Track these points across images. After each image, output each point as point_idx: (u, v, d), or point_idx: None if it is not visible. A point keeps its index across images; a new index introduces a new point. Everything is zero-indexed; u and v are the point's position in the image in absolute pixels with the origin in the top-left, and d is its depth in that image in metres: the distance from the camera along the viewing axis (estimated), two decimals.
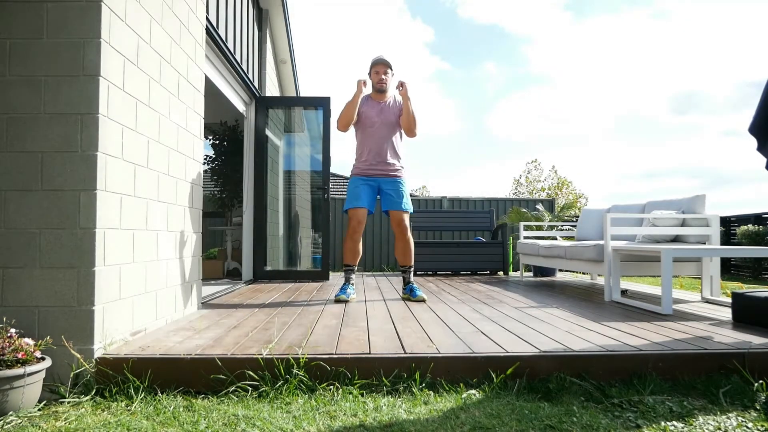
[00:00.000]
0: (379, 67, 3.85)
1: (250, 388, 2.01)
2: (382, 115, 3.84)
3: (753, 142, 2.56)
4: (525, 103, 50.65)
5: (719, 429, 1.71)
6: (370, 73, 3.92)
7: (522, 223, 6.16)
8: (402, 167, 3.93)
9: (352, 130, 3.95)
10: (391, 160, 3.86)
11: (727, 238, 9.06)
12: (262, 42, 5.78)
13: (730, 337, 2.43)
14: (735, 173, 46.95)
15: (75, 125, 2.12)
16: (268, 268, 5.51)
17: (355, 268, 3.98)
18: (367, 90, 3.93)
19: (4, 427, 1.71)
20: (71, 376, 2.03)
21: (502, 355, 2.12)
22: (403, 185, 3.90)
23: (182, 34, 3.07)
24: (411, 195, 4.01)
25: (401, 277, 4.20)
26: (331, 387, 2.02)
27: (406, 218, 3.86)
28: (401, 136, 3.95)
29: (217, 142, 6.85)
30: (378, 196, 3.96)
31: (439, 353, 2.14)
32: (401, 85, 3.77)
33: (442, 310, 3.31)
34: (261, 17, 5.82)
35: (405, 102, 3.78)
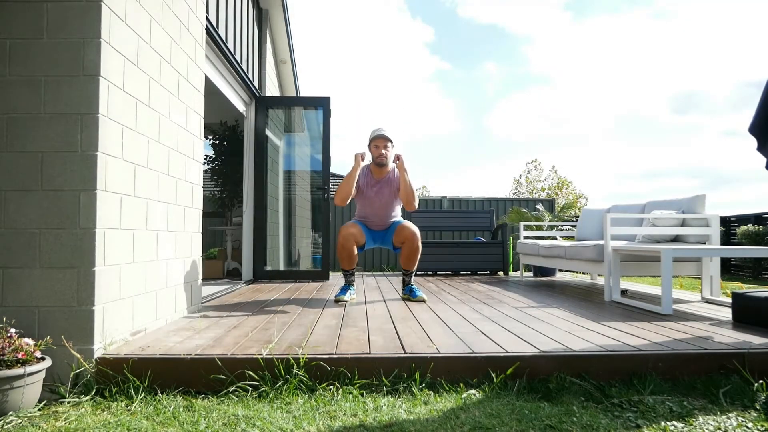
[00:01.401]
0: (379, 141, 3.82)
1: (250, 388, 2.01)
2: (381, 193, 3.86)
3: (753, 142, 2.56)
4: (525, 103, 50.65)
5: (719, 429, 1.71)
6: (369, 146, 3.89)
7: (522, 223, 6.16)
8: (398, 215, 4.02)
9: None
10: (389, 220, 3.95)
11: (727, 238, 9.06)
12: (262, 42, 5.78)
13: (730, 337, 2.43)
14: (735, 173, 46.96)
15: (75, 125, 2.12)
16: (268, 268, 5.51)
17: (354, 271, 3.96)
18: (366, 160, 3.94)
19: (4, 427, 1.71)
20: (71, 376, 2.03)
21: (502, 355, 2.12)
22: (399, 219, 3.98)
23: (182, 34, 3.07)
24: None
25: (401, 277, 4.19)
26: (331, 387, 2.02)
27: (413, 226, 3.82)
28: (399, 203, 3.97)
29: (217, 142, 6.85)
30: (379, 244, 4.04)
31: (439, 353, 2.14)
32: (397, 158, 3.78)
33: (442, 310, 3.31)
34: (261, 17, 5.82)
35: (402, 175, 3.77)
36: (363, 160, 3.85)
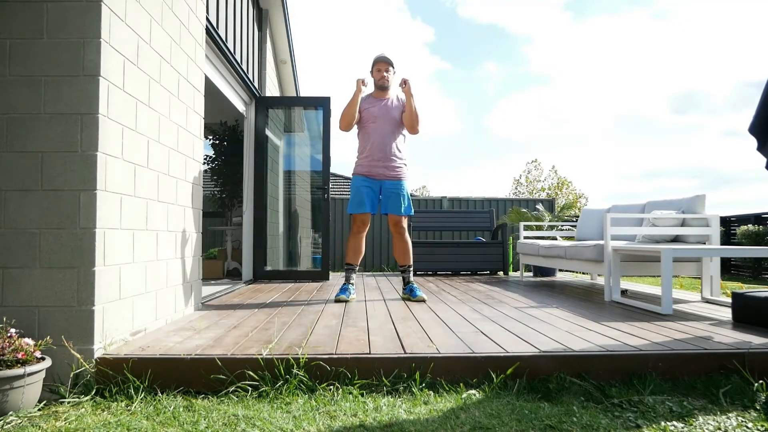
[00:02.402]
0: (381, 64, 3.86)
1: (250, 388, 2.01)
2: (384, 111, 3.84)
3: (753, 142, 2.56)
4: (525, 103, 50.66)
5: (719, 429, 1.71)
6: (371, 71, 3.92)
7: (522, 223, 6.16)
8: (404, 164, 3.93)
9: (354, 129, 3.95)
10: (393, 156, 3.84)
11: (727, 238, 9.06)
12: (262, 42, 5.78)
13: (730, 337, 2.43)
14: (735, 173, 46.97)
15: (75, 125, 2.12)
16: (268, 268, 5.51)
17: (356, 268, 3.98)
18: (368, 89, 3.93)
19: (4, 427, 1.71)
20: (71, 376, 2.03)
21: (502, 355, 2.12)
22: (404, 187, 3.89)
23: (182, 34, 3.07)
24: (411, 195, 3.99)
25: (401, 277, 4.20)
26: (331, 387, 2.02)
27: (404, 220, 3.88)
28: (404, 136, 3.95)
29: (217, 142, 6.85)
30: (380, 196, 3.96)
31: (439, 353, 2.14)
32: (404, 83, 3.77)
33: (442, 310, 3.31)
34: (261, 17, 5.82)
35: (408, 99, 3.77)
36: (365, 85, 3.85)
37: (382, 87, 3.87)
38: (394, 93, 3.94)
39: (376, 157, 3.82)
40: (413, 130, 3.85)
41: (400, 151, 3.89)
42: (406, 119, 3.82)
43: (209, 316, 3.10)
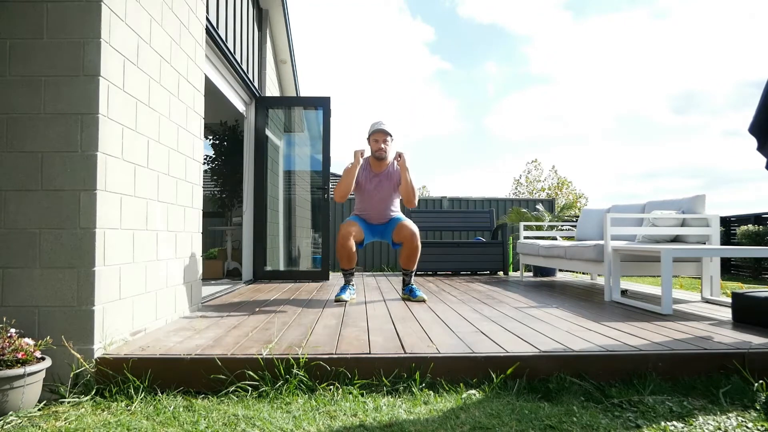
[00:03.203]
0: (378, 135, 3.82)
1: (250, 388, 2.01)
2: (380, 187, 3.87)
3: (753, 142, 2.56)
4: (525, 103, 50.64)
5: (719, 429, 1.71)
6: (368, 140, 3.90)
7: (522, 223, 6.16)
8: (397, 210, 4.01)
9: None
10: (388, 214, 3.94)
11: (727, 238, 9.06)
12: (262, 42, 5.78)
13: (730, 337, 2.43)
14: (735, 173, 46.94)
15: (75, 125, 2.12)
16: (268, 268, 5.51)
17: (354, 271, 3.97)
18: (366, 152, 3.94)
19: (4, 427, 1.71)
20: (71, 376, 2.03)
21: (502, 355, 2.12)
22: (399, 215, 3.96)
23: (182, 34, 3.07)
24: None
25: (401, 277, 4.19)
26: (331, 387, 2.02)
27: (413, 225, 3.81)
28: (399, 197, 3.97)
29: (217, 142, 6.85)
30: (378, 238, 4.04)
31: (439, 353, 2.14)
32: (399, 156, 3.77)
33: (442, 310, 3.31)
34: (261, 17, 5.82)
35: (403, 173, 3.77)
36: (362, 157, 3.85)
37: (379, 158, 3.85)
38: (391, 161, 3.93)
39: (374, 217, 3.94)
40: (409, 204, 3.85)
41: (394, 209, 3.97)
42: (402, 193, 3.83)
43: (209, 316, 3.10)
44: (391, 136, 3.85)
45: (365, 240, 3.92)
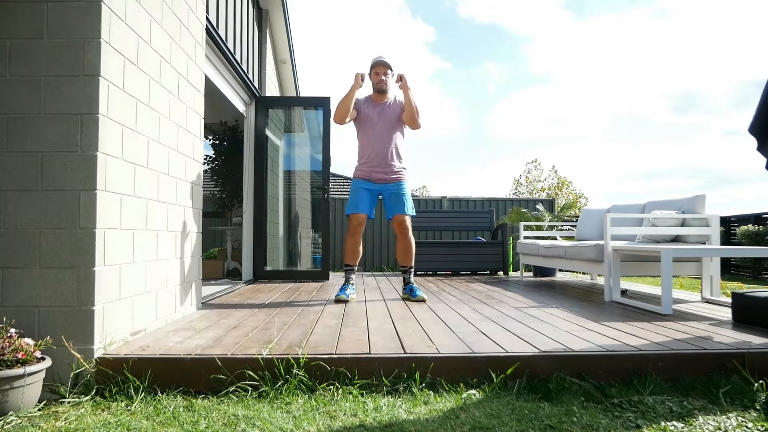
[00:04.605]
0: (379, 68, 3.83)
1: (250, 388, 2.01)
2: (383, 116, 3.83)
3: (753, 142, 2.56)
4: (525, 103, 50.65)
5: (719, 429, 1.71)
6: (369, 74, 3.89)
7: (522, 223, 6.16)
8: (404, 168, 3.92)
9: (352, 129, 3.95)
10: (393, 161, 3.85)
11: (727, 238, 9.06)
12: (262, 42, 5.78)
13: (730, 337, 2.43)
14: (735, 173, 46.96)
15: (75, 125, 2.12)
16: (268, 268, 5.51)
17: (356, 268, 3.98)
18: (367, 89, 3.92)
19: (4, 427, 1.71)
20: (71, 376, 2.03)
21: (502, 355, 2.12)
22: (405, 189, 3.88)
23: (182, 34, 3.07)
24: (411, 195, 3.98)
25: (401, 277, 4.20)
26: (331, 387, 2.02)
27: (408, 220, 3.85)
28: (403, 135, 3.94)
29: (217, 142, 6.85)
30: (380, 198, 3.97)
31: (439, 353, 2.14)
32: (400, 78, 3.76)
33: (442, 310, 3.31)
34: (261, 17, 5.82)
35: (405, 93, 3.76)
36: (363, 80, 3.83)
37: (380, 90, 3.85)
38: (393, 94, 3.93)
39: (376, 163, 3.84)
40: (414, 124, 3.83)
41: (400, 156, 3.89)
42: (406, 114, 3.80)
43: (209, 316, 3.10)
44: (391, 69, 3.85)
45: (371, 214, 3.91)
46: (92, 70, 2.14)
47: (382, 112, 3.83)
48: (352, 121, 3.89)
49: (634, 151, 46.82)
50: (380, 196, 3.95)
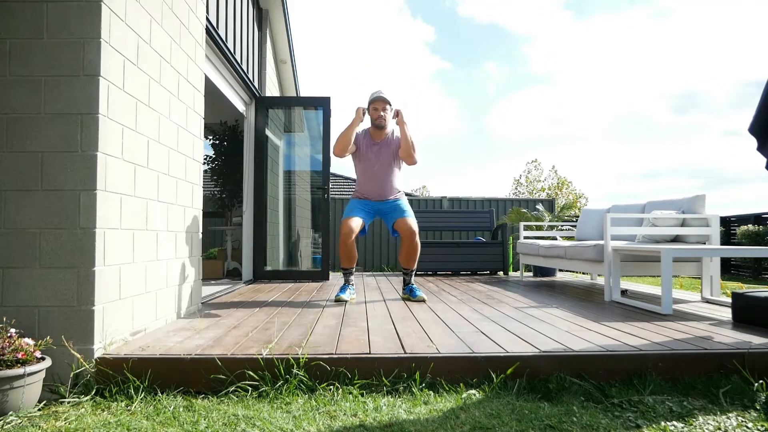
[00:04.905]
0: (378, 103, 3.81)
1: (250, 388, 2.01)
2: (381, 156, 3.85)
3: (753, 142, 2.56)
4: (525, 103, 50.65)
5: (719, 429, 1.71)
6: (368, 109, 3.87)
7: (522, 223, 6.16)
8: (400, 191, 3.98)
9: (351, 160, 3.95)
10: (389, 194, 3.91)
11: (727, 238, 9.06)
12: (262, 42, 5.78)
13: (730, 337, 2.43)
14: (735, 173, 46.96)
15: (75, 125, 2.12)
16: (268, 268, 5.51)
17: (354, 270, 3.97)
18: (366, 122, 3.92)
19: (4, 427, 1.71)
20: (71, 376, 2.03)
21: (502, 355, 2.12)
22: (402, 202, 3.93)
23: (182, 34, 3.07)
24: (411, 195, 4.01)
25: (401, 277, 4.20)
26: (331, 387, 2.02)
27: (414, 224, 3.81)
28: (400, 169, 3.96)
29: (217, 142, 6.85)
30: (378, 217, 4.01)
31: (439, 353, 2.14)
32: (397, 114, 3.78)
33: (442, 310, 3.31)
34: (261, 17, 5.82)
35: (402, 129, 3.76)
36: (363, 115, 3.83)
37: (379, 126, 3.83)
38: (391, 128, 3.92)
39: (373, 196, 3.91)
40: (410, 159, 3.81)
41: (396, 189, 3.94)
42: (402, 151, 3.80)
43: (209, 316, 3.10)
44: (390, 104, 3.84)
45: (366, 225, 3.89)
46: (92, 70, 2.14)
47: (380, 152, 3.85)
48: (350, 155, 3.91)
49: (634, 151, 46.84)
50: (377, 216, 4.00)
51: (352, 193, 4.01)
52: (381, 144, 3.86)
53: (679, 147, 47.93)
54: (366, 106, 3.89)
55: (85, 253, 2.10)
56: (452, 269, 6.46)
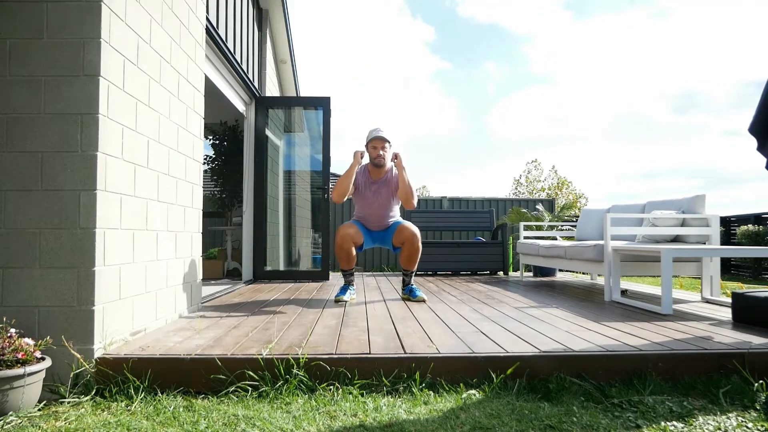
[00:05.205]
0: (377, 142, 3.79)
1: (250, 388, 2.01)
2: (379, 195, 3.86)
3: (753, 142, 2.56)
4: (525, 103, 50.64)
5: (719, 429, 1.71)
6: (367, 147, 3.86)
7: (522, 223, 6.16)
8: (396, 216, 4.01)
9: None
10: (387, 225, 3.94)
11: (727, 238, 9.06)
12: (262, 42, 5.78)
13: (730, 337, 2.43)
14: (735, 173, 46.94)
15: (75, 125, 2.12)
16: (268, 268, 5.51)
17: (354, 271, 3.97)
18: (365, 159, 3.92)
19: (4, 427, 1.71)
20: (71, 376, 2.03)
21: (502, 355, 2.12)
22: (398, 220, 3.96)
23: (182, 34, 3.07)
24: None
25: (401, 278, 4.19)
26: (331, 387, 2.02)
27: (413, 227, 3.80)
28: (398, 203, 3.96)
29: (217, 142, 6.85)
30: (378, 244, 4.04)
31: (439, 353, 2.14)
32: (395, 157, 3.77)
33: (442, 310, 3.31)
34: (261, 17, 5.82)
35: (400, 173, 3.75)
36: (362, 158, 3.84)
37: (378, 165, 3.82)
38: (390, 165, 3.91)
39: (373, 223, 3.94)
40: (408, 205, 3.80)
41: (393, 215, 3.96)
42: (400, 194, 3.79)
43: (209, 316, 3.10)
44: (389, 142, 3.83)
45: (365, 245, 3.91)
46: (92, 70, 2.14)
47: (379, 191, 3.86)
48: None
49: (634, 151, 46.81)
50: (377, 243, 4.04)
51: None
52: (380, 183, 3.87)
53: (679, 147, 47.92)
54: (364, 144, 3.89)
55: (85, 253, 2.10)
56: (452, 269, 6.46)
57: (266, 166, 5.51)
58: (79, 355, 2.05)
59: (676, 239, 3.94)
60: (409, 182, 3.76)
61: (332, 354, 2.13)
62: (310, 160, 6.10)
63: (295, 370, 2.05)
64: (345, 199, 3.82)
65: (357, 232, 3.76)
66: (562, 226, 6.30)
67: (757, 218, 8.55)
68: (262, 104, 5.50)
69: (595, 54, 48.26)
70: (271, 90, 6.36)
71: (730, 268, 9.16)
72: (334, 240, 3.84)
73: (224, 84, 4.58)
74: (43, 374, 1.92)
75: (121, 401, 1.94)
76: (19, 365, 1.83)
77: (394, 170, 3.89)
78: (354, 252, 3.78)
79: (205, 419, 1.76)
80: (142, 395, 1.97)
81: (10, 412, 1.80)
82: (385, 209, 3.90)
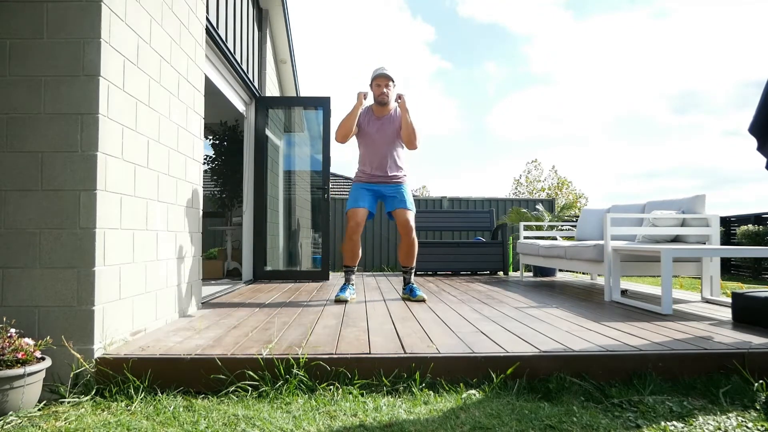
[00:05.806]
0: (381, 80, 3.79)
1: (250, 388, 2.01)
2: (382, 132, 3.83)
3: (753, 142, 2.56)
4: (525, 103, 50.65)
5: (719, 429, 1.71)
6: (371, 86, 3.86)
7: (522, 223, 6.16)
8: (404, 175, 3.94)
9: (353, 139, 3.94)
10: (392, 172, 3.88)
11: (727, 238, 9.06)
12: (262, 42, 5.78)
13: (730, 337, 2.43)
14: (735, 173, 46.96)
15: (75, 125, 2.12)
16: (268, 268, 5.51)
17: (355, 269, 3.97)
18: (369, 100, 3.90)
19: (4, 427, 1.71)
20: (71, 376, 2.03)
21: (502, 355, 2.12)
22: (404, 189, 3.89)
23: (182, 34, 3.07)
24: (412, 195, 3.97)
25: (401, 277, 4.20)
26: (331, 387, 2.02)
27: (411, 217, 3.81)
28: (402, 147, 3.93)
29: (217, 142, 6.85)
30: (380, 201, 3.97)
31: (439, 353, 2.14)
32: (399, 98, 3.76)
33: (442, 310, 3.31)
34: (261, 17, 5.82)
35: (403, 114, 3.75)
36: (365, 98, 3.82)
37: (381, 103, 3.81)
38: (394, 105, 3.90)
39: (376, 173, 3.88)
40: (411, 145, 3.81)
41: (399, 166, 3.91)
42: (403, 135, 3.79)
43: (209, 316, 3.10)
44: (393, 81, 3.81)
45: (372, 212, 3.88)
46: (92, 70, 2.14)
47: (382, 128, 3.83)
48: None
49: (634, 151, 46.83)
50: (379, 201, 3.96)
51: (354, 175, 4.00)
52: (383, 120, 3.84)
53: (679, 147, 47.93)
54: (369, 84, 3.88)
55: (85, 253, 2.10)
56: (452, 269, 6.46)
57: (266, 166, 5.51)
58: (79, 355, 2.05)
59: (676, 239, 3.94)
60: (412, 123, 3.75)
61: (332, 354, 2.13)
62: (310, 160, 6.10)
63: (295, 370, 2.05)
64: (348, 140, 3.81)
65: (364, 216, 3.78)
66: (562, 226, 6.29)
67: (757, 218, 8.55)
68: (262, 104, 5.50)
69: (595, 54, 48.27)
70: (271, 90, 6.35)
71: (730, 268, 9.16)
72: (346, 227, 3.82)
73: (224, 84, 4.58)
74: (43, 374, 1.92)
75: (121, 401, 1.94)
76: (19, 365, 1.83)
77: (397, 110, 3.87)
78: (360, 249, 3.83)
79: (205, 419, 1.76)
80: (142, 395, 1.97)
81: (10, 412, 1.79)
82: (389, 148, 3.84)
